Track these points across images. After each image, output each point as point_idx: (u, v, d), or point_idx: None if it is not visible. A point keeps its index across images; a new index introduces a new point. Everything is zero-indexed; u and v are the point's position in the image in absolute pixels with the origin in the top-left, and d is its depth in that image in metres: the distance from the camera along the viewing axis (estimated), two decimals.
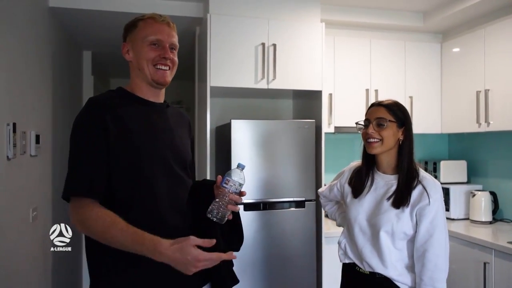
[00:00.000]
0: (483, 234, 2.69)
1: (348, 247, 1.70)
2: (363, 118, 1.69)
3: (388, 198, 1.58)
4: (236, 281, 1.44)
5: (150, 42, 1.34)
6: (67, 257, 3.15)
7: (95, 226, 1.19)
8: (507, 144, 3.13)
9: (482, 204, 3.00)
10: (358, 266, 1.66)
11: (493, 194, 3.06)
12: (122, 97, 1.36)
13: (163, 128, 1.38)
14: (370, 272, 1.61)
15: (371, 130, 1.60)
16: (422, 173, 1.61)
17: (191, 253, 1.11)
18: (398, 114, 1.62)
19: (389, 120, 1.60)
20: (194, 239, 1.13)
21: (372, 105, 1.69)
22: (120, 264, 1.24)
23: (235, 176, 1.27)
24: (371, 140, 1.60)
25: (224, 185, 1.27)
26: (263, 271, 2.63)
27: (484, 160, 3.35)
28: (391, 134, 1.59)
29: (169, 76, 1.38)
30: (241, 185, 1.28)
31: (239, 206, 1.33)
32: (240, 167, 1.30)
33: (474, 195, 3.05)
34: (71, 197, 1.24)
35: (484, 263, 2.47)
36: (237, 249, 1.48)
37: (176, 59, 1.40)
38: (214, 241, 1.15)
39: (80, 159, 1.25)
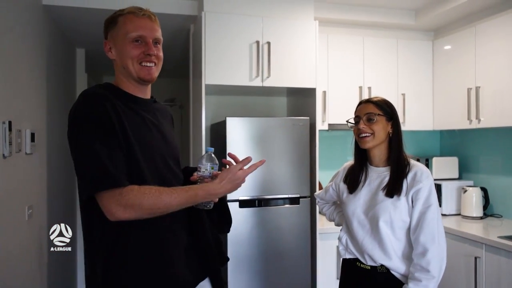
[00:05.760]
0: (474, 229, 2.74)
1: (349, 242, 1.74)
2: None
3: (383, 189, 1.63)
4: (226, 260, 1.52)
5: (133, 39, 1.29)
6: (62, 256, 3.15)
7: (146, 201, 1.17)
8: (497, 140, 3.18)
9: (473, 200, 3.05)
10: (359, 262, 1.69)
11: (484, 189, 3.11)
12: (111, 92, 1.32)
13: (154, 123, 1.36)
14: (371, 266, 1.65)
15: (362, 125, 1.67)
16: (413, 161, 1.68)
17: (239, 178, 1.28)
18: (386, 108, 1.69)
19: (378, 114, 1.66)
20: (235, 169, 1.27)
21: (360, 102, 1.76)
22: (122, 267, 1.23)
23: (205, 160, 1.33)
24: (363, 135, 1.67)
25: (198, 172, 1.34)
26: (259, 267, 2.65)
27: (475, 157, 3.40)
28: (381, 127, 1.66)
29: (155, 72, 1.34)
30: (213, 167, 1.33)
31: None
32: (209, 150, 1.34)
33: (465, 191, 3.09)
34: (102, 191, 1.17)
35: (475, 258, 2.51)
36: (227, 231, 1.55)
37: (161, 54, 1.36)
38: (250, 158, 1.33)
39: (103, 150, 1.18)
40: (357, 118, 1.71)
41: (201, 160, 1.33)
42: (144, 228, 1.25)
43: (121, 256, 1.24)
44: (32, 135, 2.35)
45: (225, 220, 1.51)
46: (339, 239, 1.79)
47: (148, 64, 1.31)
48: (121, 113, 1.25)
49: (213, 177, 1.31)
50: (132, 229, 1.24)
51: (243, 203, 2.62)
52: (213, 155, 1.34)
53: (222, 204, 1.47)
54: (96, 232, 1.25)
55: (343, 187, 1.79)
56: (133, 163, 1.24)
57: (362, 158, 1.75)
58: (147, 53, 1.30)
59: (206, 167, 1.32)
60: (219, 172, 1.32)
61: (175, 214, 1.28)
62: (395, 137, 1.68)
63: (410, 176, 1.62)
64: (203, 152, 2.74)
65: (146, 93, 1.40)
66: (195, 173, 1.34)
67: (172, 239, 1.32)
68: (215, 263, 1.42)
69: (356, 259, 1.71)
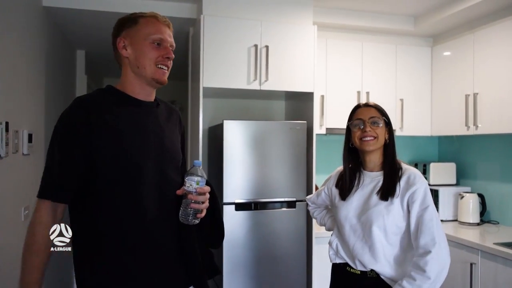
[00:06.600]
0: (471, 235, 2.74)
1: (340, 246, 1.73)
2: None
3: (377, 192, 1.64)
4: (217, 272, 1.48)
5: (153, 41, 1.33)
6: (58, 256, 3.15)
7: (28, 238, 1.25)
8: (495, 147, 3.19)
9: (470, 206, 3.05)
10: (349, 266, 1.69)
11: (481, 196, 3.11)
12: (111, 96, 1.34)
13: (153, 129, 1.36)
14: (361, 271, 1.64)
15: (368, 128, 1.67)
16: (405, 166, 1.70)
17: None
18: (386, 114, 1.73)
19: (383, 119, 1.69)
20: None
21: (358, 106, 1.76)
22: (108, 276, 1.25)
23: (191, 175, 1.27)
24: (368, 138, 1.67)
25: (183, 186, 1.28)
26: (254, 270, 2.65)
27: (472, 163, 3.40)
28: (383, 132, 1.69)
29: (167, 76, 1.38)
30: (198, 182, 1.27)
31: (205, 204, 1.31)
32: (196, 164, 1.29)
33: (462, 197, 3.09)
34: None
35: (471, 264, 2.51)
36: (218, 246, 1.52)
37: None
38: None
39: (52, 161, 1.25)
40: (359, 121, 1.71)
41: (187, 174, 1.28)
42: (120, 232, 1.26)
43: (92, 259, 1.27)
44: (30, 136, 2.35)
45: (218, 235, 1.49)
46: (330, 243, 1.79)
47: (164, 67, 1.35)
48: (111, 123, 1.27)
49: (200, 192, 1.28)
50: (107, 233, 1.26)
51: (239, 206, 2.63)
52: (200, 169, 1.29)
53: (215, 217, 1.45)
54: (74, 235, 1.30)
55: (335, 191, 1.79)
56: (114, 174, 1.26)
57: (355, 163, 1.76)
58: (166, 56, 1.34)
59: (191, 182, 1.26)
60: (205, 187, 1.30)
61: (160, 222, 1.30)
62: (391, 143, 1.71)
63: (403, 179, 1.63)
64: (199, 158, 2.76)
65: (151, 95, 1.40)
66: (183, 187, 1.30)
67: (151, 247, 1.29)
68: (201, 274, 1.37)
69: (346, 264, 1.70)
